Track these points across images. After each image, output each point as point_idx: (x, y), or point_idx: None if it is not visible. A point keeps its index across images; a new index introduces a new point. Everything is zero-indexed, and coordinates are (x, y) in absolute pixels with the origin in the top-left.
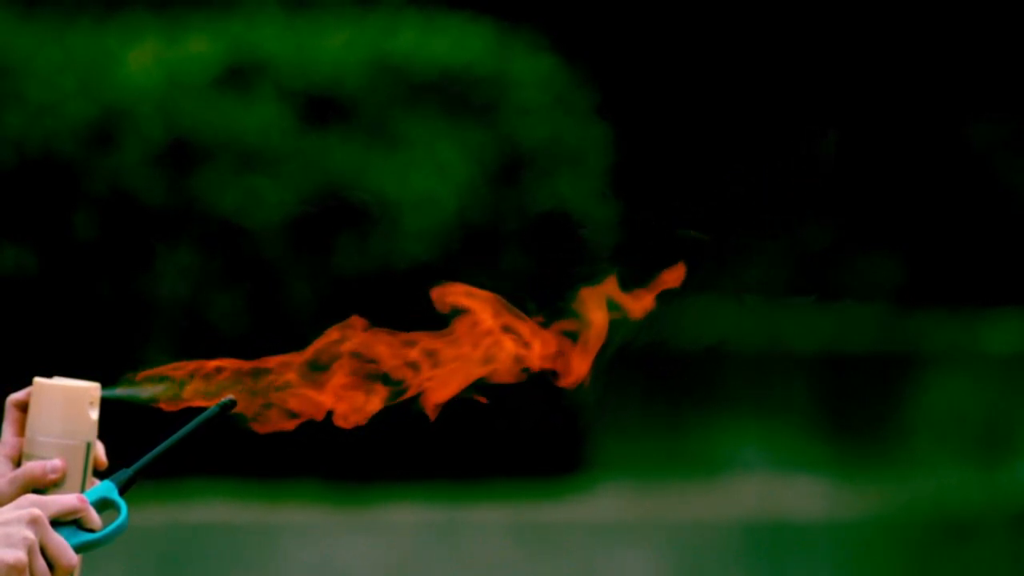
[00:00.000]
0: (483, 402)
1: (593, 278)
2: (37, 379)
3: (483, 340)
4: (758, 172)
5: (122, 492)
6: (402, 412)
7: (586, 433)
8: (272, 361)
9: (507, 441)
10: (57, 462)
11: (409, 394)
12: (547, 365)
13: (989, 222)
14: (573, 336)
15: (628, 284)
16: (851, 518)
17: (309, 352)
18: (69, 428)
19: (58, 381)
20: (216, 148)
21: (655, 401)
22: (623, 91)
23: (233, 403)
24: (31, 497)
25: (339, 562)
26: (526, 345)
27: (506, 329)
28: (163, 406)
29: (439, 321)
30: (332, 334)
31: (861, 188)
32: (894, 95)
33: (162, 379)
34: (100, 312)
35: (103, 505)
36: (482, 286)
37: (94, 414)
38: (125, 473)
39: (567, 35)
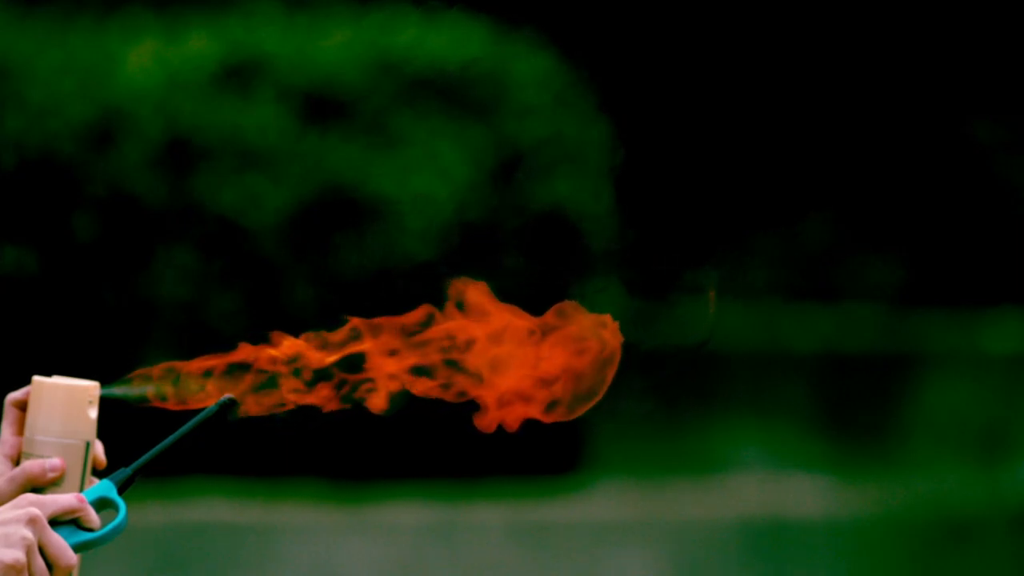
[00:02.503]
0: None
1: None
2: (36, 378)
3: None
4: (758, 171)
5: (121, 491)
6: (400, 410)
7: (585, 432)
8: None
9: (506, 440)
10: (56, 461)
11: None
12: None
13: (989, 222)
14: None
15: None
16: (850, 518)
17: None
18: (68, 427)
19: (57, 380)
20: (215, 147)
21: (654, 400)
22: (622, 89)
23: (232, 401)
24: (30, 496)
25: (338, 561)
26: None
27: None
28: (162, 405)
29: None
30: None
31: (861, 189)
32: (894, 94)
33: (161, 378)
34: (100, 312)
35: (102, 504)
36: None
37: (93, 413)
38: (124, 472)
39: (566, 33)
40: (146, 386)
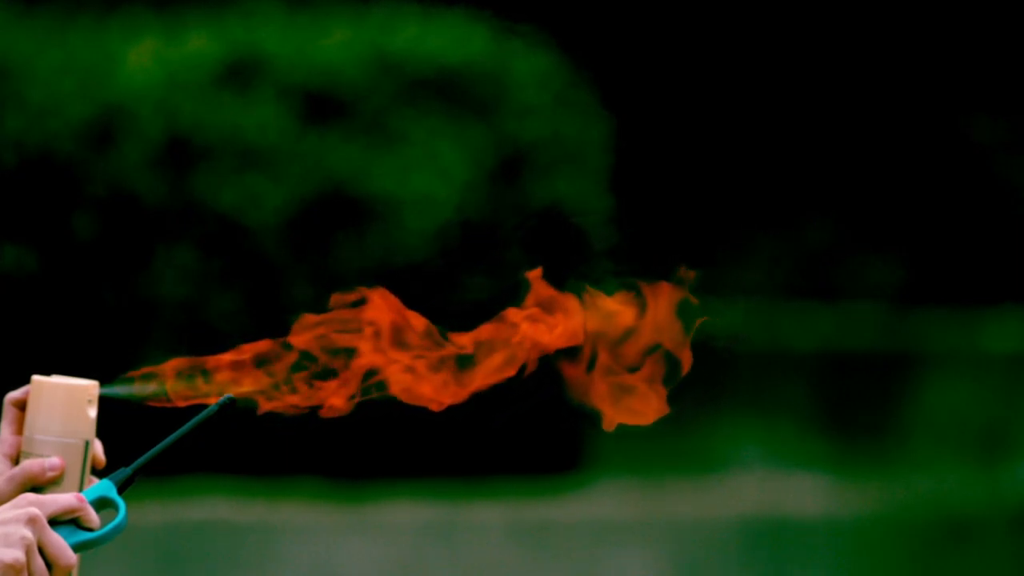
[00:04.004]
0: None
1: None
2: (35, 377)
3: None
4: (758, 171)
5: (121, 491)
6: (401, 408)
7: (585, 430)
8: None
9: (506, 439)
10: (55, 460)
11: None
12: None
13: (989, 221)
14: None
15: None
16: (851, 516)
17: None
18: (67, 426)
19: (56, 379)
20: (216, 147)
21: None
22: (623, 88)
23: (232, 401)
24: (29, 496)
25: (338, 560)
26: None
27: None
28: (162, 404)
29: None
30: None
31: (861, 188)
32: (894, 94)
33: (161, 377)
34: (100, 312)
35: (102, 504)
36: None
37: (92, 412)
38: (124, 472)
39: (566, 32)
40: (146, 385)
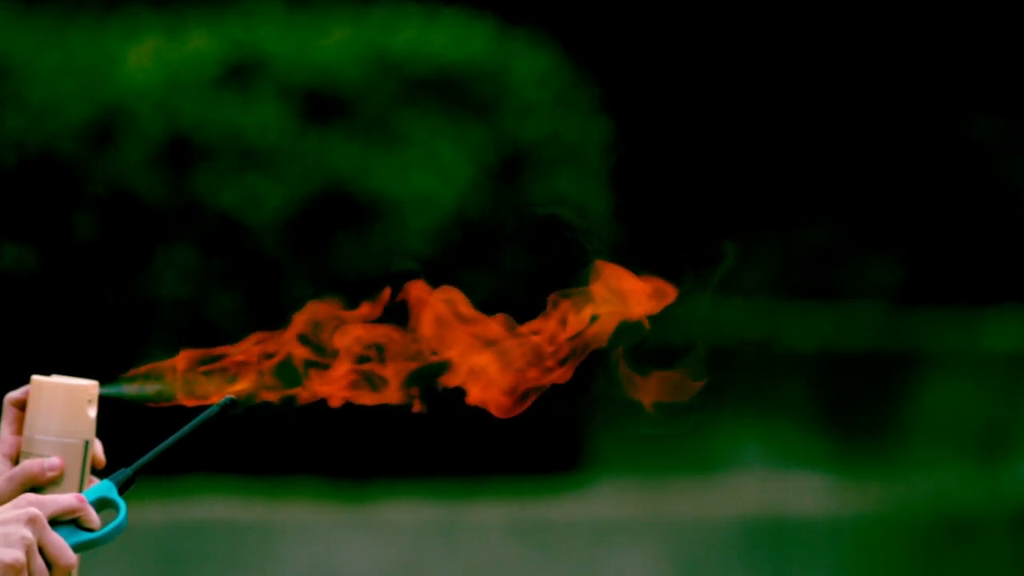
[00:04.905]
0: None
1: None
2: (35, 377)
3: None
4: (758, 171)
5: (121, 491)
6: (400, 408)
7: (586, 430)
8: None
9: (507, 438)
10: (55, 460)
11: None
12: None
13: (989, 221)
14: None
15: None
16: (851, 516)
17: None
18: (67, 426)
19: (56, 379)
20: (216, 146)
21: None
22: (623, 88)
23: (233, 402)
24: (29, 496)
25: (338, 560)
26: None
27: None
28: (161, 404)
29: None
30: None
31: (861, 188)
32: (894, 94)
33: (160, 376)
34: (100, 312)
35: (102, 504)
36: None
37: (92, 412)
38: (124, 472)
39: (567, 32)
40: (146, 385)
